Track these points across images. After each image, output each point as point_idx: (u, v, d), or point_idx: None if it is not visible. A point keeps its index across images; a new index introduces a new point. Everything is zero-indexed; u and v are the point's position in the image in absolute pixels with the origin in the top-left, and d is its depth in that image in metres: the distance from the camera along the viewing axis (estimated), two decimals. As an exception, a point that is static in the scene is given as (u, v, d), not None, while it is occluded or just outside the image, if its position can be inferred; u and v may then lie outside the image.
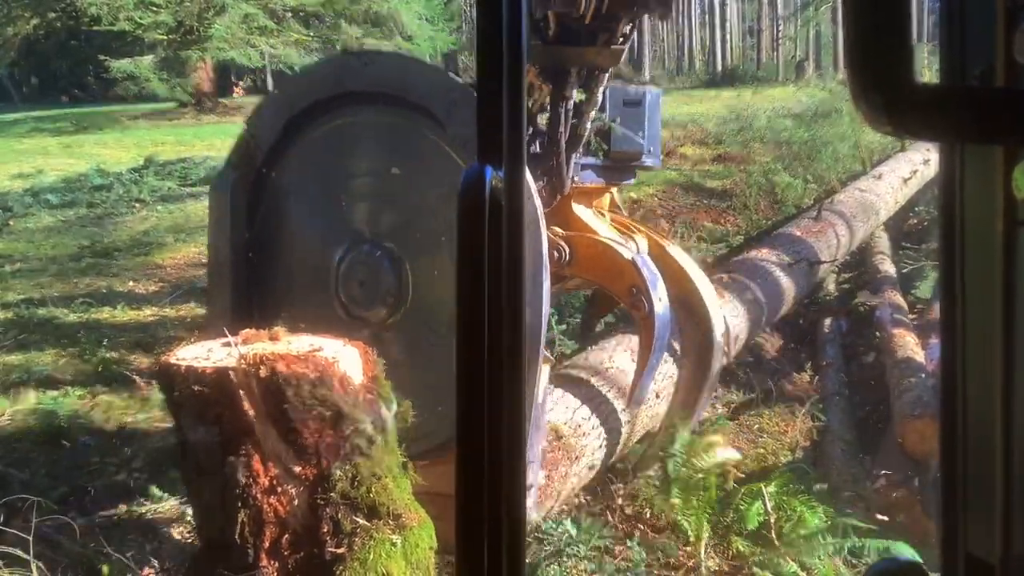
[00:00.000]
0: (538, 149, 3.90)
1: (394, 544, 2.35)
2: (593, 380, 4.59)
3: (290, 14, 24.14)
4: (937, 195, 1.03)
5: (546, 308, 3.00)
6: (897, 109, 0.67)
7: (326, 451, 2.39)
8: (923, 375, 5.18)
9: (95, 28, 23.05)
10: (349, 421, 2.39)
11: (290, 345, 2.53)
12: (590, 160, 4.28)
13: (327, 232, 3.53)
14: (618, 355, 4.86)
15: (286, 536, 2.40)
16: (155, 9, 22.97)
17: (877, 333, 6.46)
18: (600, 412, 4.36)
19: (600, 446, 4.29)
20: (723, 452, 4.23)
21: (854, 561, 3.95)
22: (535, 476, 3.23)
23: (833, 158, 11.61)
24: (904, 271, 7.59)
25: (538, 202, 3.09)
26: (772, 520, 4.00)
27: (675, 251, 4.52)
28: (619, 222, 4.63)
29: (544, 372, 3.15)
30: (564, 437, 3.99)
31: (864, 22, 0.66)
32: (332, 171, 3.57)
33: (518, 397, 0.80)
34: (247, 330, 2.64)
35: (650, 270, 4.13)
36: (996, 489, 0.93)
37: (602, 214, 4.61)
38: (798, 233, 7.64)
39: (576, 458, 4.04)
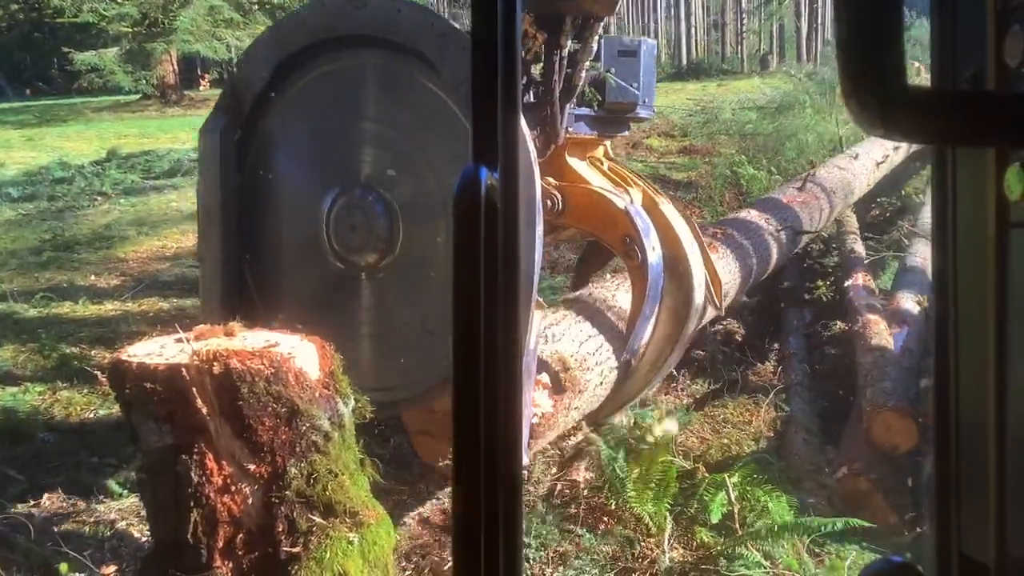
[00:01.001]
0: (532, 99, 3.87)
1: (351, 542, 2.32)
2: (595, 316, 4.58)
3: (256, 6, 23.96)
4: (931, 197, 1.04)
5: (539, 254, 2.98)
6: (889, 111, 0.68)
7: (281, 448, 2.36)
8: (891, 367, 5.19)
9: (59, 20, 22.77)
10: (305, 417, 2.36)
11: (245, 341, 2.50)
12: (584, 111, 4.25)
13: (318, 177, 3.50)
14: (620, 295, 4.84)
15: (240, 535, 2.37)
16: (119, 1, 22.72)
17: (848, 316, 6.44)
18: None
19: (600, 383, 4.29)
20: (665, 425, 4.21)
21: (817, 551, 3.98)
22: (527, 424, 3.20)
23: (797, 150, 11.68)
24: (865, 261, 7.62)
25: (531, 147, 3.06)
26: (736, 511, 4.02)
27: (667, 209, 4.48)
28: (616, 172, 4.60)
29: (536, 319, 3.14)
30: (570, 369, 3.96)
31: (856, 24, 0.67)
32: (323, 115, 3.53)
33: (514, 400, 0.80)
34: (201, 326, 2.60)
35: (643, 220, 4.14)
36: (990, 489, 0.93)
37: (600, 161, 4.60)
38: (784, 200, 7.68)
39: (580, 391, 4.04)
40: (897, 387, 4.90)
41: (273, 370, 2.35)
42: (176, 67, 25.54)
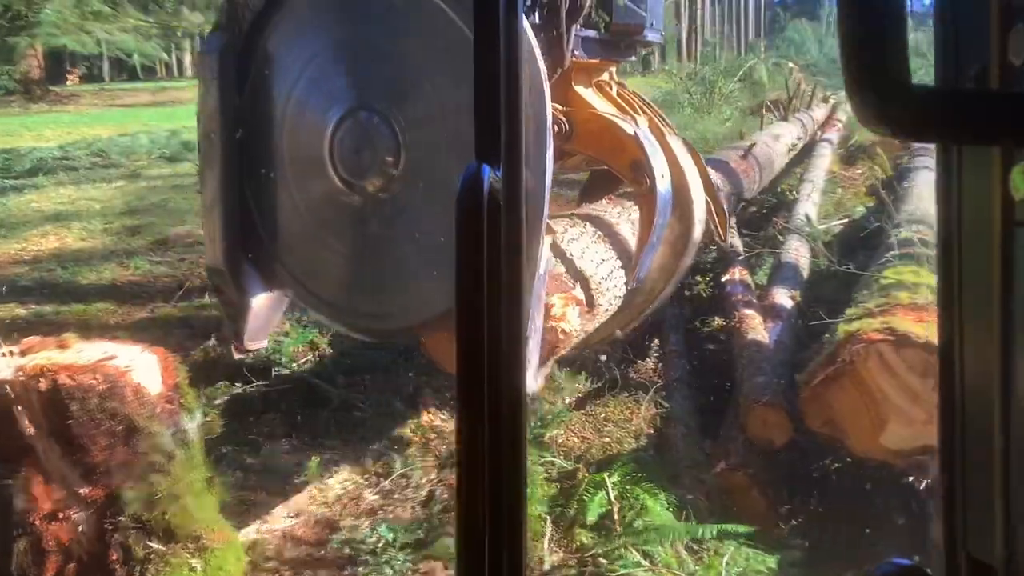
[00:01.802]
0: (537, 20, 3.74)
1: (193, 569, 2.16)
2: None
3: (127, -1, 23.09)
4: (936, 195, 1.02)
5: (549, 175, 2.91)
6: (893, 110, 0.68)
7: (117, 470, 2.17)
8: (766, 362, 5.23)
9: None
10: (144, 436, 2.18)
11: (79, 354, 2.30)
12: (590, 33, 4.13)
13: (321, 98, 3.36)
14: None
15: (71, 565, 2.18)
16: (-21, -7, 21.60)
17: (725, 312, 6.50)
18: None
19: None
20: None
21: (695, 547, 3.96)
22: (536, 350, 3.09)
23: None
24: (740, 257, 7.73)
25: (542, 64, 2.97)
26: (615, 510, 3.97)
27: (673, 141, 4.39)
28: (624, 98, 4.52)
29: (546, 244, 3.07)
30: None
31: (859, 23, 0.67)
32: (325, 34, 3.37)
33: (519, 397, 0.80)
34: (31, 338, 2.39)
35: (652, 145, 4.06)
36: (996, 490, 0.92)
37: (609, 86, 4.51)
38: (733, 165, 7.78)
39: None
40: (771, 381, 4.94)
41: (108, 385, 2.16)
42: (41, 62, 24.41)
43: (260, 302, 3.41)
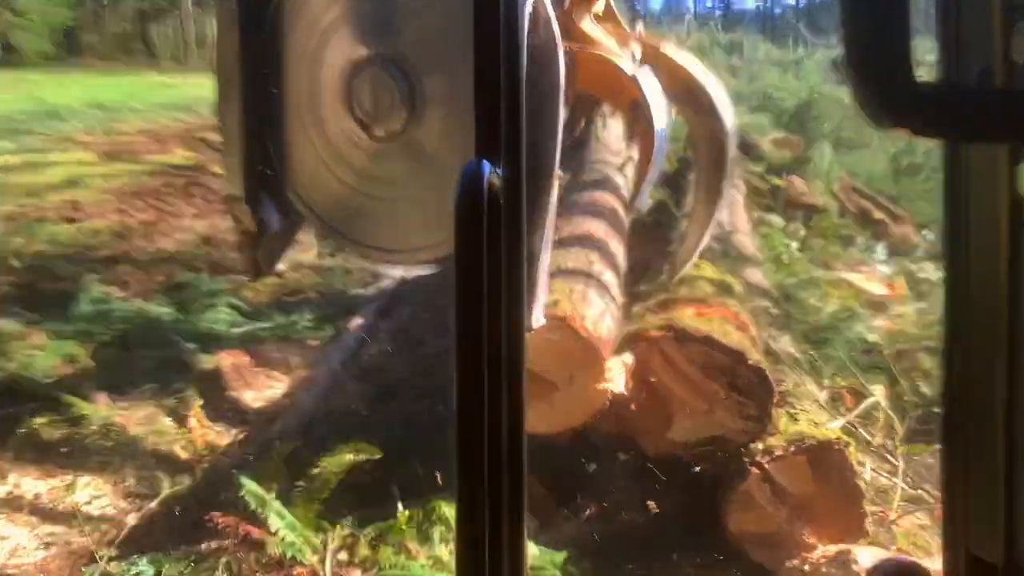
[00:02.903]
0: None
1: None
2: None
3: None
4: (942, 194, 1.02)
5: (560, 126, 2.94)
6: (897, 107, 0.69)
7: None
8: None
9: None
10: None
11: None
12: None
13: (342, 38, 3.29)
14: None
15: None
16: None
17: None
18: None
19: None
20: None
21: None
22: (544, 290, 3.13)
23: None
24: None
25: (553, 22, 2.94)
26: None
27: (670, 49, 4.57)
28: (613, 30, 4.60)
29: (555, 188, 3.07)
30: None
31: (864, 20, 0.68)
32: None
33: (518, 394, 0.81)
34: None
35: (650, 86, 4.23)
36: (999, 489, 0.93)
37: (600, 15, 4.61)
38: None
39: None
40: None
41: None
42: None
43: (275, 230, 3.46)
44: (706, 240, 4.87)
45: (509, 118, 0.83)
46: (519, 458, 0.82)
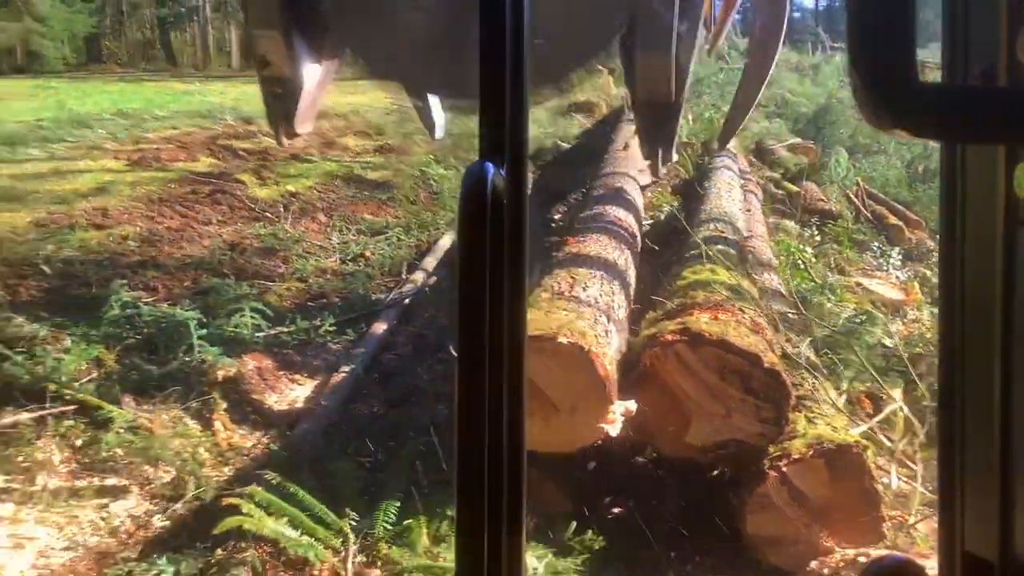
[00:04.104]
0: None
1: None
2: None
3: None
4: (939, 194, 1.02)
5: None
6: (899, 108, 0.68)
7: None
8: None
9: None
10: None
11: None
12: None
13: None
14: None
15: None
16: None
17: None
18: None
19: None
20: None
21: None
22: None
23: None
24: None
25: None
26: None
27: None
28: None
29: None
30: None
31: (866, 21, 0.67)
32: None
33: (519, 397, 0.81)
34: None
35: None
36: (995, 486, 0.94)
37: None
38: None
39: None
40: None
41: None
42: None
43: (310, 77, 3.03)
44: (759, 97, 4.94)
45: (513, 120, 0.83)
46: (519, 459, 0.82)
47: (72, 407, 4.78)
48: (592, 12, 2.57)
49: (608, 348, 3.88)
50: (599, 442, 3.87)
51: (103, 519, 4.13)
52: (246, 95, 15.23)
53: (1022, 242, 0.90)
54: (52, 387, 4.83)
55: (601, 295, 4.38)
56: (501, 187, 0.80)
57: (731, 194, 7.60)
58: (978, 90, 0.88)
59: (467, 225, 0.79)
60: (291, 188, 9.94)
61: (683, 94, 2.72)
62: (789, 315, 5.51)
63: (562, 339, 3.69)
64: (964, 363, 0.98)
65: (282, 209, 9.17)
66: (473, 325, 0.78)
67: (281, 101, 3.06)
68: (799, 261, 7.40)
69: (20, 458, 4.43)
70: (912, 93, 0.68)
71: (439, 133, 3.34)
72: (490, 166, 0.80)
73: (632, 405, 3.84)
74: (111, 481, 4.39)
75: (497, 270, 0.79)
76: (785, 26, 4.78)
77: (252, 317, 6.12)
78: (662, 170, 3.29)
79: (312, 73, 3.05)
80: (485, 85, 0.83)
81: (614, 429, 3.77)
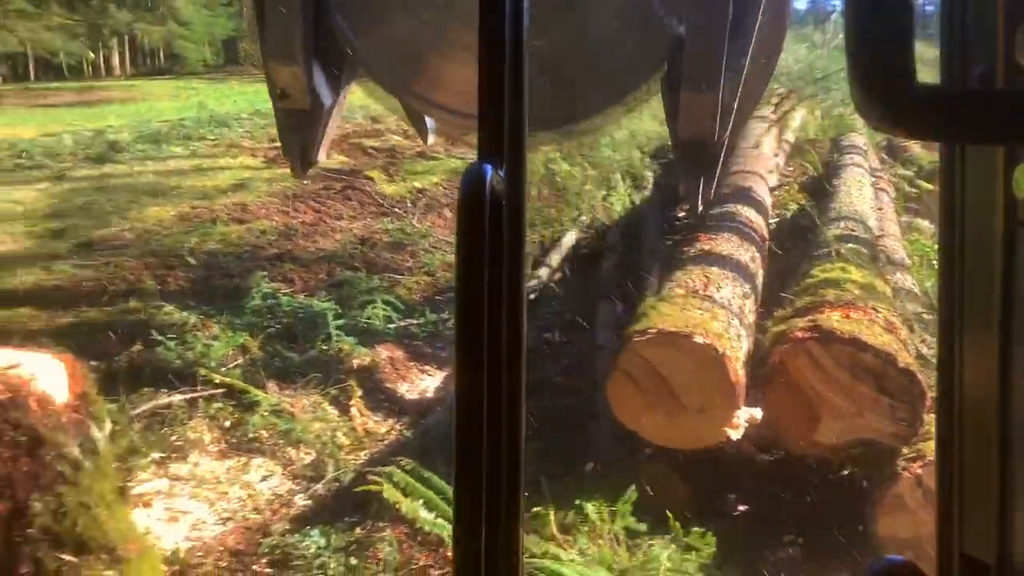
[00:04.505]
0: None
1: (106, 582, 2.07)
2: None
3: (52, -2, 22.56)
4: (938, 195, 1.01)
5: None
6: (898, 110, 0.68)
7: (23, 481, 2.07)
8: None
9: None
10: (50, 446, 2.08)
11: (-19, 361, 2.19)
12: None
13: None
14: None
15: (-25, 583, 2.07)
16: None
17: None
18: None
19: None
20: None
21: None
22: None
23: (612, 147, 11.88)
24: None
25: None
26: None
27: None
28: None
29: None
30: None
31: (865, 22, 0.67)
32: None
33: (518, 398, 0.81)
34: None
35: None
36: (992, 488, 0.93)
37: None
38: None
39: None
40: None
41: (10, 395, 2.06)
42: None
43: (328, 108, 3.05)
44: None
45: (512, 121, 0.82)
46: (518, 459, 0.81)
47: (220, 390, 5.08)
48: (631, 47, 2.53)
49: (740, 352, 3.91)
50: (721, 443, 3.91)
51: (250, 496, 4.38)
52: (373, 95, 15.66)
53: (1021, 243, 0.89)
54: (202, 371, 5.14)
55: (734, 297, 4.40)
56: (500, 188, 0.81)
57: (861, 192, 7.43)
58: (977, 91, 0.88)
59: (466, 226, 0.79)
60: (418, 184, 10.20)
61: (726, 131, 2.62)
62: (924, 316, 5.39)
63: (698, 339, 3.74)
64: (963, 363, 0.97)
65: (409, 205, 9.43)
66: (472, 325, 0.79)
67: (299, 133, 3.05)
68: (934, 262, 7.20)
69: (174, 437, 4.72)
70: (911, 94, 0.68)
71: (431, 139, 3.37)
72: (489, 167, 0.80)
73: (758, 413, 3.86)
74: (257, 461, 4.64)
75: (496, 271, 0.79)
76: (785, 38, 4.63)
77: (384, 309, 6.35)
78: (700, 207, 3.20)
79: (329, 102, 3.10)
80: (484, 86, 0.83)
81: (737, 434, 3.80)
